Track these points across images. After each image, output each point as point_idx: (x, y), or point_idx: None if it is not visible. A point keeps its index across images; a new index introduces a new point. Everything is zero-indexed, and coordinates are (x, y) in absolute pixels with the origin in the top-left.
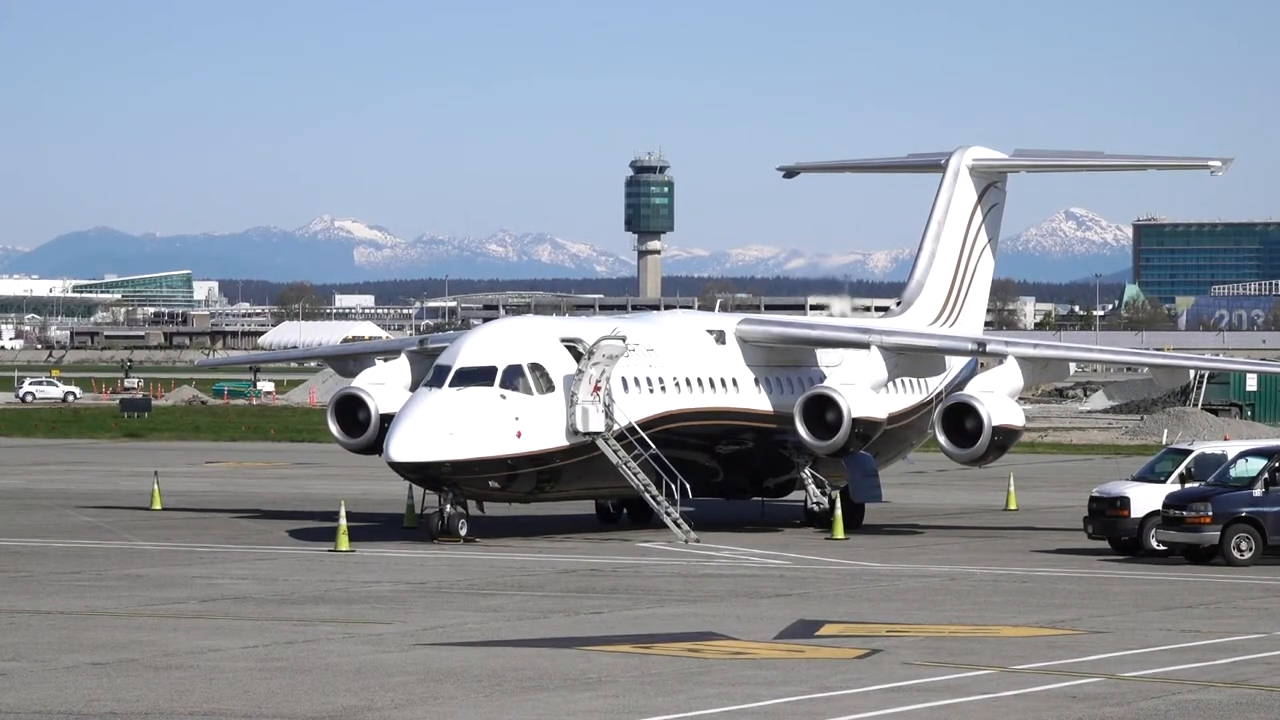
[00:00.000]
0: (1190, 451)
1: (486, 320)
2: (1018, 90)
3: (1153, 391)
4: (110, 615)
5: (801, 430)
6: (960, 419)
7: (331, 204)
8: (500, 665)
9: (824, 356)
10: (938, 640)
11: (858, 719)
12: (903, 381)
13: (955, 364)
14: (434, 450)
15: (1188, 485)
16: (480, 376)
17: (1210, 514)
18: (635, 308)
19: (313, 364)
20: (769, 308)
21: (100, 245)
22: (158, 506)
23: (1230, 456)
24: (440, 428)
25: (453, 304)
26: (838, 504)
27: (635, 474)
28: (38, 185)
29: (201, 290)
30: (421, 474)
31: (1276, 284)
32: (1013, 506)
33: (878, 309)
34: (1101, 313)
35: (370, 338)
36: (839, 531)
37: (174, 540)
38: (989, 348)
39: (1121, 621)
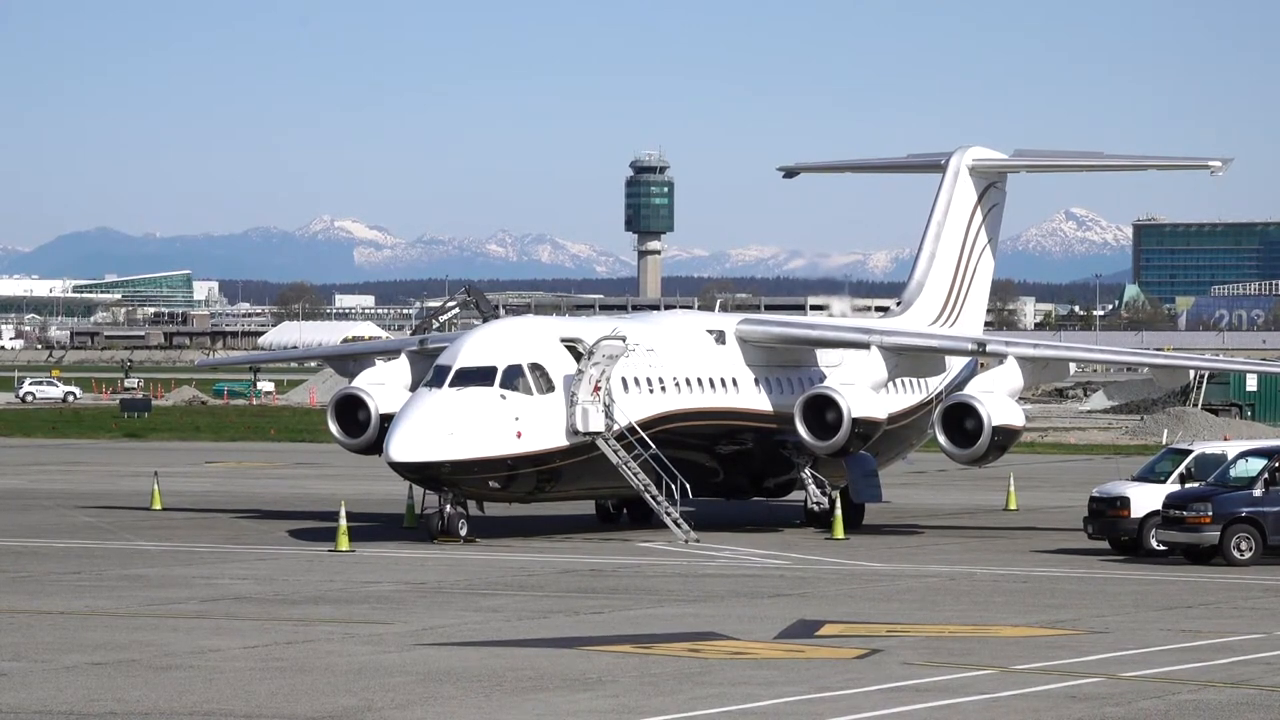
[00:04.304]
0: (1190, 451)
1: (487, 321)
2: (1018, 90)
3: (1153, 391)
4: (110, 615)
5: (801, 430)
6: (960, 419)
7: (331, 204)
8: (500, 665)
9: (824, 356)
10: (938, 640)
11: (858, 719)
12: (903, 381)
13: (955, 364)
14: (434, 450)
15: (1188, 485)
16: (480, 376)
17: (1210, 514)
18: (635, 308)
19: (313, 364)
20: (769, 308)
21: (100, 245)
22: (158, 506)
23: (1230, 456)
24: (440, 428)
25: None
26: (838, 504)
27: (635, 474)
28: (38, 185)
29: (201, 290)
30: (421, 474)
31: (1276, 284)
32: (1013, 506)
33: (878, 309)
34: (1101, 313)
35: (370, 338)
36: (839, 531)
37: (174, 540)
38: (989, 348)
39: (1121, 621)
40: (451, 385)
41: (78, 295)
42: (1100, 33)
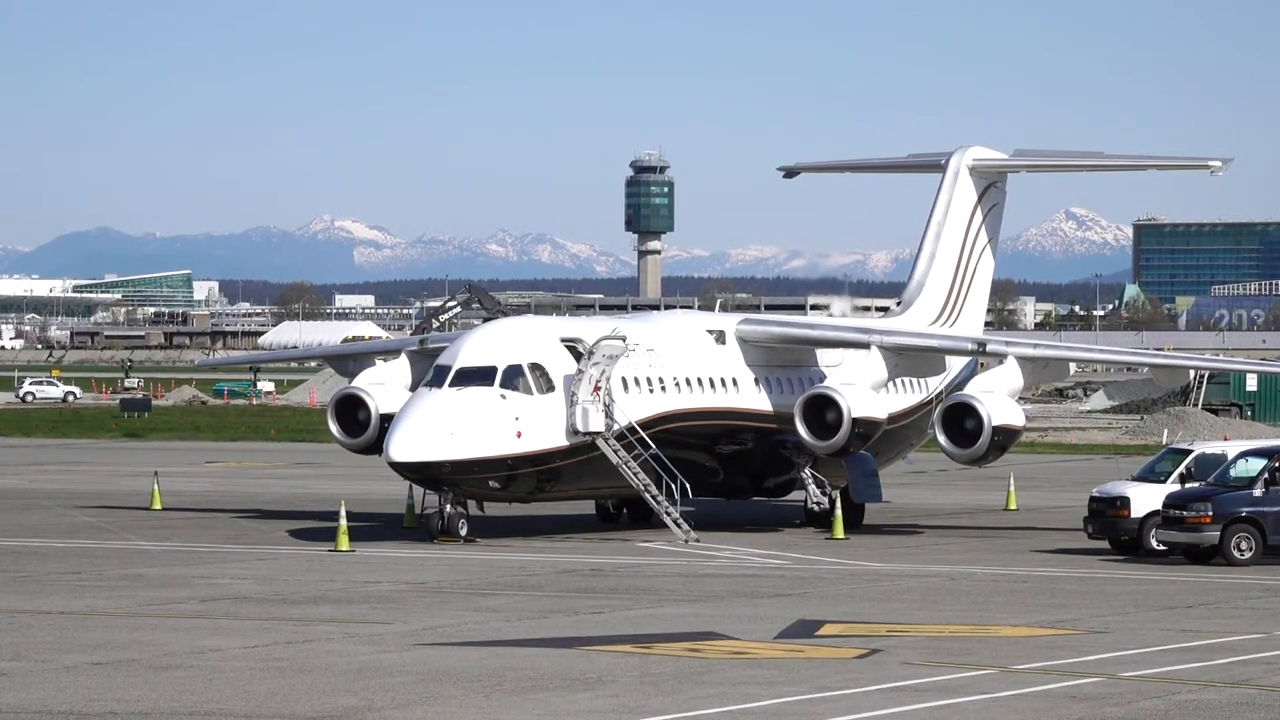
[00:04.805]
0: (1190, 451)
1: (487, 321)
2: (1018, 90)
3: (1153, 391)
4: (110, 615)
5: (801, 430)
6: (960, 419)
7: (331, 204)
8: (500, 665)
9: (824, 356)
10: (938, 640)
11: (858, 719)
12: (903, 381)
13: (955, 364)
14: (434, 450)
15: (1188, 485)
16: (480, 376)
17: (1210, 514)
18: (635, 308)
19: (313, 364)
20: (769, 308)
21: (100, 245)
22: (158, 506)
23: (1230, 456)
24: (440, 428)
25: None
26: (838, 504)
27: (635, 474)
28: (38, 185)
29: (201, 290)
30: (421, 474)
31: (1276, 284)
32: (1013, 506)
33: (878, 309)
34: (1101, 313)
35: (370, 338)
36: (839, 531)
37: (174, 540)
38: (989, 348)
39: (1121, 621)
40: (451, 385)
41: (78, 295)
42: (1100, 33)
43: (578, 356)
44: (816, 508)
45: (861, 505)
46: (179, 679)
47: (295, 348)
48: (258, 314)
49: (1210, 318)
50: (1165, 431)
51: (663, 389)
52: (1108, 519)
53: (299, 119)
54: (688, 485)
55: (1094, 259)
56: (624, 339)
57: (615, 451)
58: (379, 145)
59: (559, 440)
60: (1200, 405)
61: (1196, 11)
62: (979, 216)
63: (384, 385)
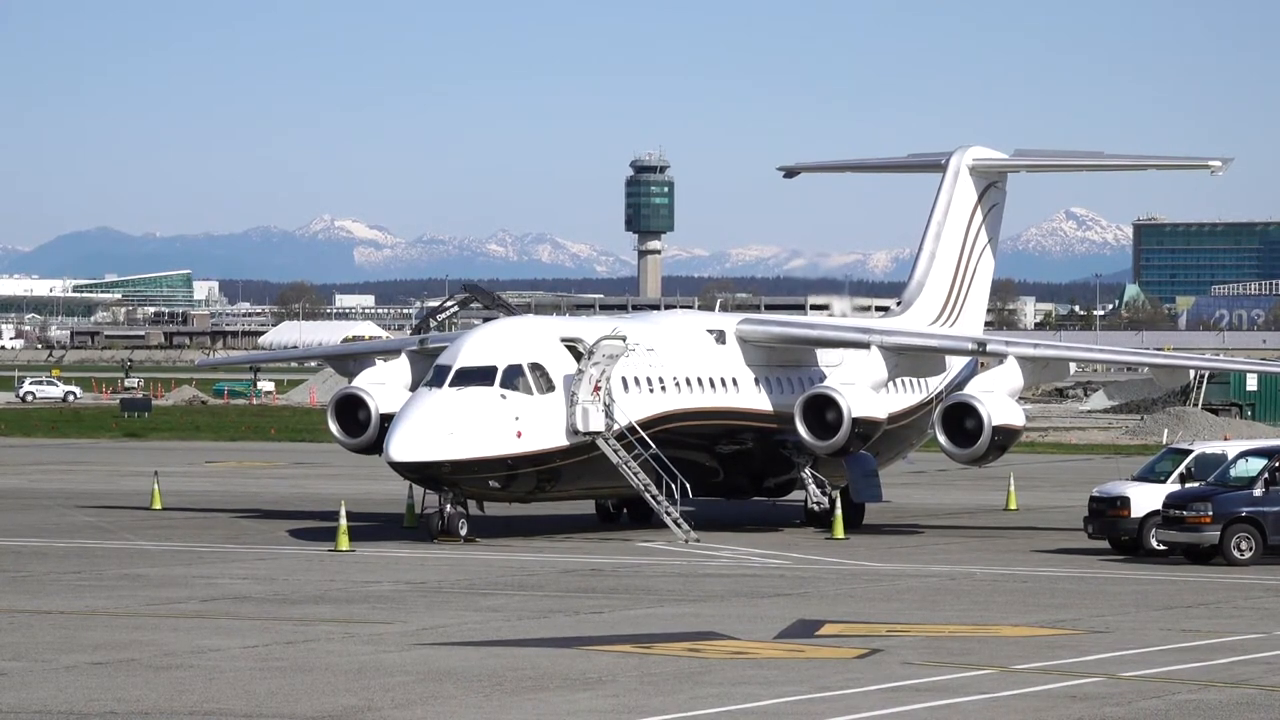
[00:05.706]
0: (1190, 451)
1: (487, 320)
2: (1018, 90)
3: (1153, 391)
4: (110, 615)
5: (801, 430)
6: (960, 419)
7: (331, 204)
8: (500, 665)
9: (824, 356)
10: (938, 640)
11: (857, 719)
12: (903, 381)
13: (955, 364)
14: (434, 450)
15: (1188, 485)
16: (480, 376)
17: (1210, 514)
18: (635, 308)
19: (313, 364)
20: (769, 308)
21: (100, 245)
22: (158, 506)
23: (1230, 456)
24: (440, 428)
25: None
26: (838, 504)
27: (635, 474)
28: (38, 185)
29: (202, 290)
30: (421, 474)
31: (1276, 284)
32: (1013, 506)
33: (878, 309)
34: (1101, 313)
35: (370, 337)
36: (839, 531)
37: (174, 540)
38: (989, 348)
39: (1121, 621)
40: (451, 385)
41: (78, 295)
42: (1100, 33)
43: (578, 356)
44: (816, 508)
45: (861, 505)
46: (179, 679)
47: (295, 348)
48: (258, 314)
49: (1210, 318)
50: (1165, 431)
51: (663, 389)
52: (1108, 519)
53: (299, 119)
54: (688, 485)
55: (1094, 259)
56: (624, 339)
57: (615, 451)
58: (379, 145)
59: (559, 440)
60: (1200, 405)
61: (1196, 11)
62: (979, 216)
63: (384, 385)
